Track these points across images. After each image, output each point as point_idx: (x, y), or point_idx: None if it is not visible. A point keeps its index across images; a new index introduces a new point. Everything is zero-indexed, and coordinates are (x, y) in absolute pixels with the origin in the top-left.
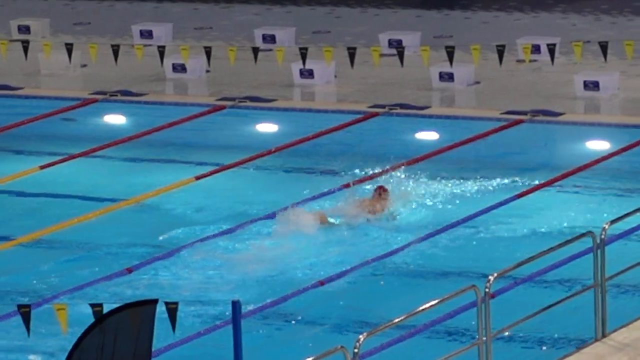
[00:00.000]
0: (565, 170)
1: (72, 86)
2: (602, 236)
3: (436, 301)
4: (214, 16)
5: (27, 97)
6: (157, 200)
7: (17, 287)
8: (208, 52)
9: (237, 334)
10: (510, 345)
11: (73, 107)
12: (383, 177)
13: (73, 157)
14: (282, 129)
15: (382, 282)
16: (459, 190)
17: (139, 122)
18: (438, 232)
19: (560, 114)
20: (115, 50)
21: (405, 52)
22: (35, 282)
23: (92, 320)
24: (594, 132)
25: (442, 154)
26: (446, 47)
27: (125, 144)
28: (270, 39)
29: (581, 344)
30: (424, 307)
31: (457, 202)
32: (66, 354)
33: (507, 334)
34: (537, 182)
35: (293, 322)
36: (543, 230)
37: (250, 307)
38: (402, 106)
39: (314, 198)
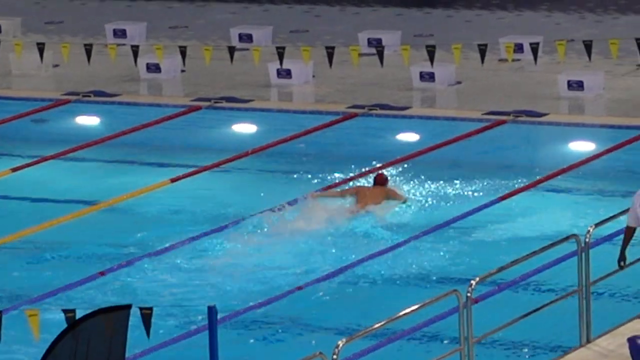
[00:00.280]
0: (549, 172)
1: (44, 87)
2: (587, 239)
3: (417, 306)
4: (189, 15)
5: None
6: (131, 203)
7: None
8: (183, 51)
9: (213, 340)
10: (492, 351)
11: (45, 108)
12: (361, 179)
13: (45, 159)
14: (259, 130)
15: (362, 287)
16: (440, 193)
17: (112, 124)
18: (419, 236)
19: (544, 115)
20: (88, 49)
21: (385, 52)
22: (6, 286)
23: (65, 325)
24: (578, 133)
25: (422, 155)
26: (427, 47)
27: (99, 146)
28: (246, 38)
29: (565, 350)
30: (404, 312)
31: (439, 205)
32: None
33: (489, 339)
34: (520, 185)
35: (271, 327)
36: (526, 233)
37: (227, 313)
38: (381, 107)
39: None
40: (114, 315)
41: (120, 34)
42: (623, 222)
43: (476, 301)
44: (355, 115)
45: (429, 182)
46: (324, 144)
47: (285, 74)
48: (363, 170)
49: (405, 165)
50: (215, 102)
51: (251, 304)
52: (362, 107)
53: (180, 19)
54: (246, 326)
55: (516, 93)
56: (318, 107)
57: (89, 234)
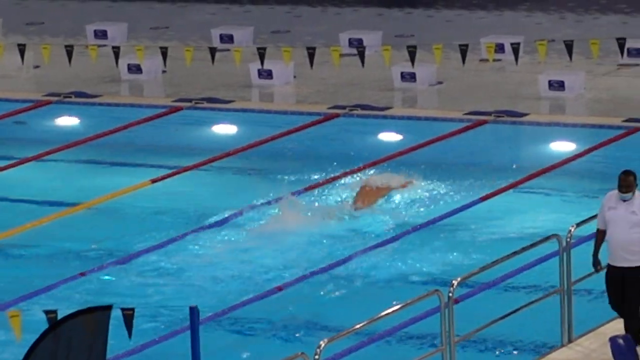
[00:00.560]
0: (530, 172)
1: (24, 88)
2: (568, 239)
3: (399, 306)
4: (170, 15)
5: None
6: (112, 203)
7: None
8: (164, 52)
9: (195, 341)
10: (474, 351)
11: (26, 110)
12: (343, 180)
13: (26, 160)
14: (240, 130)
15: (343, 287)
16: (421, 194)
17: (93, 124)
18: (400, 235)
19: (525, 115)
20: (69, 50)
21: (366, 52)
22: None
23: (46, 326)
24: (559, 133)
25: (403, 155)
26: (408, 47)
27: (80, 147)
28: (227, 38)
29: (547, 350)
30: (386, 312)
31: (420, 205)
32: None
33: (471, 339)
34: (501, 185)
35: (252, 328)
36: (508, 233)
37: (209, 313)
38: (362, 107)
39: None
40: (95, 316)
41: (101, 34)
42: None
43: (457, 301)
44: (337, 115)
45: (410, 182)
46: (305, 145)
47: (266, 74)
48: (345, 170)
49: (386, 166)
50: (196, 103)
51: (233, 304)
52: (343, 107)
53: (161, 19)
54: (228, 327)
55: (497, 93)
56: (299, 108)
57: (70, 235)
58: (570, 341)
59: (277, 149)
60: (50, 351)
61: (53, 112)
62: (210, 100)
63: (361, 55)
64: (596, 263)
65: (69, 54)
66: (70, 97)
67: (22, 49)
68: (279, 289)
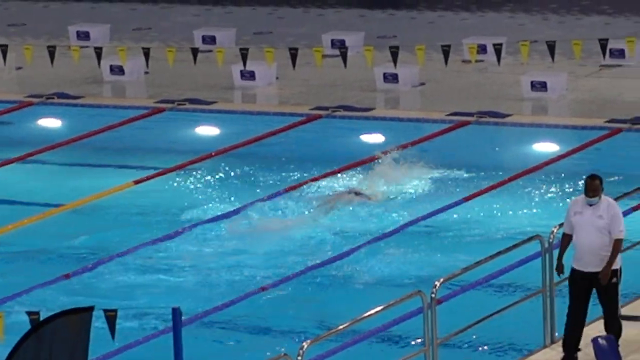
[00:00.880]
0: (512, 172)
1: (7, 89)
2: (551, 240)
3: (382, 307)
4: (153, 17)
5: None
6: (94, 205)
7: None
8: (146, 53)
9: (177, 342)
10: (457, 352)
11: (8, 111)
12: (325, 180)
13: (8, 162)
14: (223, 131)
15: (326, 288)
16: (404, 194)
17: (76, 126)
18: (383, 236)
19: (508, 116)
20: (51, 51)
21: (349, 53)
22: None
23: (29, 327)
24: (542, 134)
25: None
26: (390, 48)
27: (62, 148)
28: (210, 40)
29: (530, 350)
30: (369, 313)
31: (403, 206)
32: None
33: (454, 340)
34: (484, 185)
35: (235, 329)
36: (491, 234)
37: (192, 314)
38: (345, 108)
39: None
40: (77, 317)
41: (83, 36)
42: None
43: (440, 302)
44: (319, 116)
45: (393, 183)
46: (288, 146)
47: (248, 75)
48: (327, 171)
49: (369, 167)
50: (179, 104)
51: (215, 305)
52: (326, 108)
53: (144, 20)
54: (211, 328)
55: (480, 94)
56: (282, 109)
57: (53, 236)
58: (552, 342)
59: (259, 150)
60: (32, 352)
61: (35, 113)
62: (193, 101)
63: (343, 56)
64: (560, 267)
65: (52, 55)
66: (53, 98)
67: (4, 50)
68: (263, 289)
